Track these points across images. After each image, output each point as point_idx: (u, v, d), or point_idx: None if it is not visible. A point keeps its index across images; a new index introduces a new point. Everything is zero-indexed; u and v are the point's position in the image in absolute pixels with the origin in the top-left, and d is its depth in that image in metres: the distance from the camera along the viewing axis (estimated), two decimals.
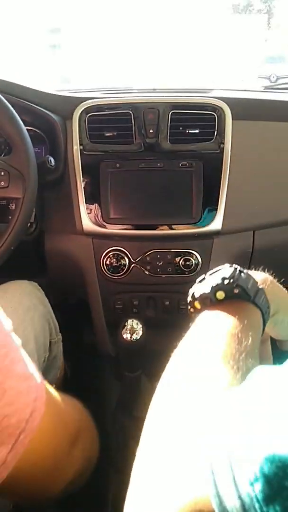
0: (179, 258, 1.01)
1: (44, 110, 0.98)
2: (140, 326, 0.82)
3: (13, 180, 0.81)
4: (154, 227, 1.01)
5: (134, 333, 0.81)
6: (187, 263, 1.01)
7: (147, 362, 0.98)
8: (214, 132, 0.99)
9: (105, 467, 1.04)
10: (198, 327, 0.45)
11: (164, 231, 1.01)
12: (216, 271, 0.49)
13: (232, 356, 0.38)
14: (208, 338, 0.42)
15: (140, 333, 0.81)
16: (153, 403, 0.38)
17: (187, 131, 0.98)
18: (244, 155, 1.00)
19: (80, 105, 0.99)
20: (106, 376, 1.14)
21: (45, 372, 0.87)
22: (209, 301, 0.46)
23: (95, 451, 0.55)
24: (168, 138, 0.98)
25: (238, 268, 0.48)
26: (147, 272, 1.02)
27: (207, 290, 0.46)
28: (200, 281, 0.49)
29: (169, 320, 1.07)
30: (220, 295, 0.45)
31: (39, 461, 0.42)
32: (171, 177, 1.00)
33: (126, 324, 0.83)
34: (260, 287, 0.47)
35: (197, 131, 0.98)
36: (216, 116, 0.98)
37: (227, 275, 0.46)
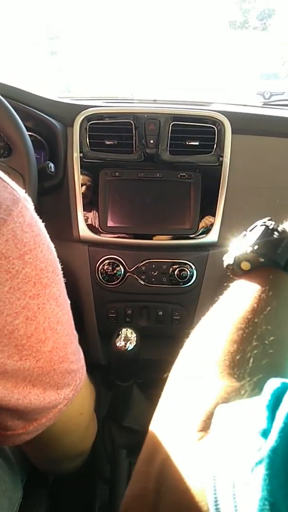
0: (174, 268, 1.02)
1: (45, 116, 0.98)
2: (134, 335, 0.82)
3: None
4: (150, 237, 1.01)
5: (128, 342, 0.81)
6: (182, 274, 1.01)
7: (139, 371, 0.98)
8: (214, 145, 1.00)
9: (92, 477, 1.03)
10: (220, 304, 0.41)
11: (160, 241, 1.01)
12: (252, 229, 0.43)
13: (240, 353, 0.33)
14: (219, 325, 0.38)
15: (135, 342, 0.81)
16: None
17: (187, 143, 0.99)
18: (242, 168, 1.01)
19: (81, 112, 0.99)
20: (96, 386, 1.13)
21: None
22: (236, 272, 0.42)
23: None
24: (168, 149, 0.99)
25: (271, 226, 0.42)
26: (141, 282, 1.02)
27: (231, 261, 0.42)
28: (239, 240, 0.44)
29: (162, 330, 1.07)
30: (245, 266, 0.41)
31: (81, 411, 0.50)
32: (169, 188, 1.00)
33: (120, 333, 0.82)
34: None
35: (197, 143, 0.99)
36: (216, 129, 0.99)
37: (252, 241, 0.41)
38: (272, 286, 0.38)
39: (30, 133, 0.99)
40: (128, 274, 1.02)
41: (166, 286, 1.02)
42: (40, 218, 1.08)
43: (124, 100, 1.17)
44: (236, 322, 0.37)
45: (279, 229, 0.41)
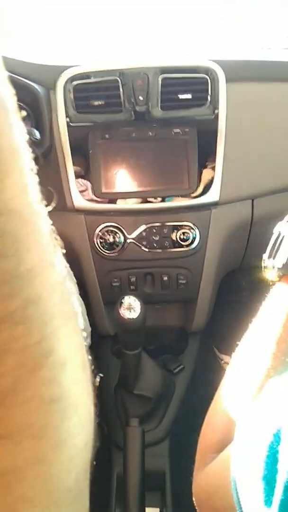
0: (176, 231, 0.98)
1: (25, 80, 0.91)
2: (137, 303, 0.79)
3: None
4: (148, 200, 0.97)
5: (131, 310, 0.78)
6: (184, 236, 0.97)
7: (147, 338, 0.96)
8: (208, 96, 0.93)
9: (108, 446, 1.03)
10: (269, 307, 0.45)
11: (159, 204, 0.97)
12: None
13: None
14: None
15: (138, 310, 0.78)
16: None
17: (179, 97, 0.93)
18: (240, 119, 0.95)
19: (64, 73, 0.93)
20: (107, 355, 1.12)
21: None
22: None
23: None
24: (159, 104, 0.93)
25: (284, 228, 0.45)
26: (143, 248, 0.99)
27: (279, 264, 0.44)
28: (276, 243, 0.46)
29: (168, 296, 1.05)
30: (270, 275, 0.45)
31: None
32: (164, 146, 0.95)
33: (123, 301, 0.79)
34: None
35: (189, 96, 0.93)
36: (209, 79, 0.93)
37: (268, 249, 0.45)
38: None
39: None
40: (128, 240, 0.98)
41: (169, 250, 0.99)
42: None
43: (110, 57, 1.09)
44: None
45: None
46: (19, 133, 0.20)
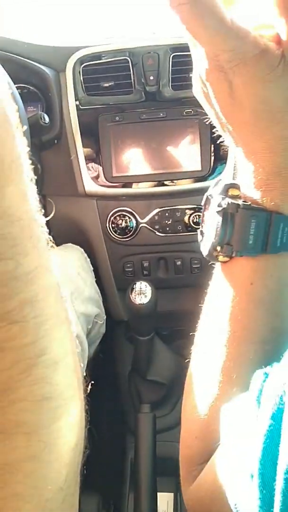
0: (189, 215, 0.96)
1: (35, 63, 0.90)
2: (149, 288, 0.78)
3: None
4: (160, 184, 0.95)
5: (143, 295, 0.77)
6: (198, 219, 0.95)
7: (161, 324, 0.95)
8: None
9: (122, 432, 1.04)
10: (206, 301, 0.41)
11: (171, 187, 0.95)
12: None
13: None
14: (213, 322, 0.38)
15: (149, 295, 0.77)
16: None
17: (191, 75, 0.90)
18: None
19: (73, 55, 0.91)
20: (121, 341, 1.12)
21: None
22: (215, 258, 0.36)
23: None
24: (170, 84, 0.90)
25: (228, 208, 0.33)
26: (156, 232, 0.97)
27: (206, 249, 0.36)
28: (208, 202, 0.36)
29: (182, 281, 1.03)
30: (222, 258, 0.36)
31: None
32: (175, 127, 0.93)
33: (134, 286, 0.78)
34: (273, 212, 0.33)
35: None
36: None
37: (218, 232, 0.34)
38: (258, 284, 0.35)
39: (21, 85, 0.93)
40: (140, 225, 0.97)
41: (182, 234, 0.97)
42: (42, 175, 1.01)
43: (119, 37, 1.07)
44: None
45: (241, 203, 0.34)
46: (20, 145, 0.21)
